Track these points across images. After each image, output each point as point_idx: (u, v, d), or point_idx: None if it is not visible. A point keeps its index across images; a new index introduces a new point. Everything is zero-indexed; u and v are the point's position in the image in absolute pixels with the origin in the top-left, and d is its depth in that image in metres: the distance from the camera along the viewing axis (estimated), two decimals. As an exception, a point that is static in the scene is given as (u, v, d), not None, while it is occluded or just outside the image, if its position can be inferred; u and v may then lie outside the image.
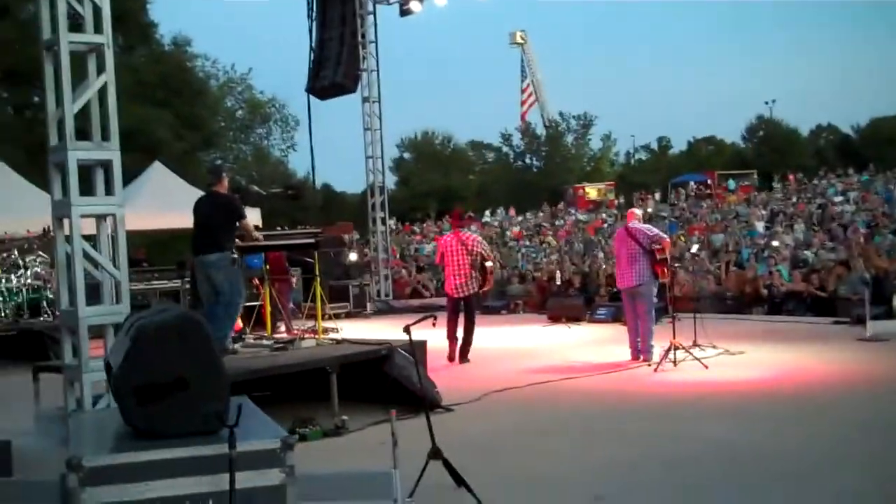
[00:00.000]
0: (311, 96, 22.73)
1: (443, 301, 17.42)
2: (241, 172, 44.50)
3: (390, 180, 63.69)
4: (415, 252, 34.07)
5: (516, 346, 14.12)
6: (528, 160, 66.52)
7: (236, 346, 9.13)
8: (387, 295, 23.45)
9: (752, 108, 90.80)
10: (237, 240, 9.09)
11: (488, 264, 12.41)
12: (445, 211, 53.28)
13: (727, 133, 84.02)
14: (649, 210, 35.91)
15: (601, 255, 24.08)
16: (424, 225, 45.90)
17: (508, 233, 37.59)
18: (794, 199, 33.84)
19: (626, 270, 11.56)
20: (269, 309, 10.78)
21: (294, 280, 17.02)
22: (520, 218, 44.02)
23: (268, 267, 11.56)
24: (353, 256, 23.74)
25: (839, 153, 62.31)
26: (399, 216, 48.38)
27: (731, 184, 43.85)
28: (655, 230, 11.95)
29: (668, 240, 11.90)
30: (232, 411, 3.48)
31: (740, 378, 9.77)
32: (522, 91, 66.11)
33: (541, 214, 43.81)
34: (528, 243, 33.76)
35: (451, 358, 12.14)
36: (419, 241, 39.15)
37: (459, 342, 12.19)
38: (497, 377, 10.49)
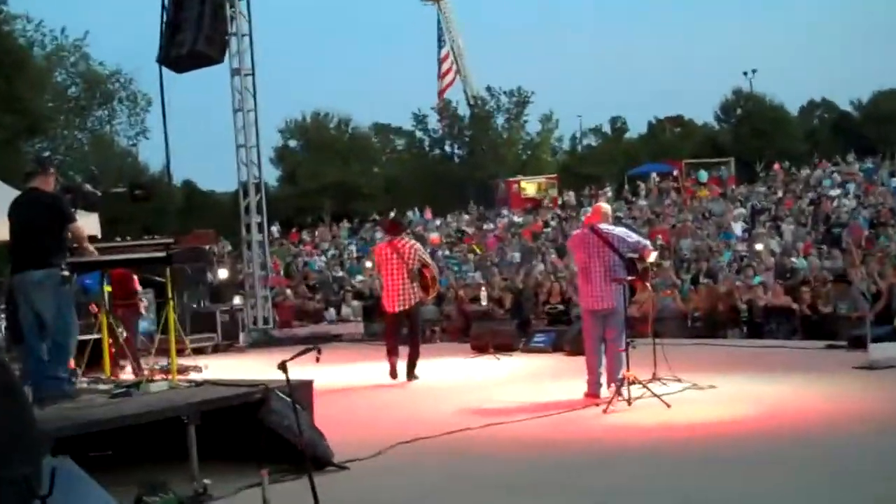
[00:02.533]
0: (164, 68, 22.52)
1: (338, 329, 17.58)
2: (76, 166, 43.74)
3: (271, 175, 63.65)
4: (304, 267, 33.99)
5: (431, 383, 14.14)
6: (448, 148, 66.94)
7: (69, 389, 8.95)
8: (266, 322, 23.29)
9: (727, 80, 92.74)
10: (69, 253, 8.93)
11: (429, 271, 14.28)
12: (344, 213, 53.30)
13: (697, 112, 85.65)
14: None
15: (540, 266, 24.32)
16: (317, 232, 45.83)
17: (424, 240, 37.69)
18: (781, 194, 34.69)
19: (601, 287, 11.60)
20: (108, 343, 10.61)
21: (144, 305, 16.82)
22: (438, 221, 44.29)
23: (109, 289, 11.39)
24: (221, 274, 23.56)
25: (836, 136, 63.90)
26: (283, 221, 48.23)
27: (703, 175, 44.76)
28: (635, 236, 12.19)
29: (650, 248, 12.10)
30: (45, 477, 3.41)
31: (710, 419, 9.93)
32: (440, 61, 66.51)
33: (465, 217, 44.16)
34: (448, 253, 33.95)
35: (393, 374, 14.23)
36: (309, 252, 39.06)
37: (406, 359, 14.12)
38: (406, 424, 10.47)
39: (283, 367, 6.05)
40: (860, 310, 16.29)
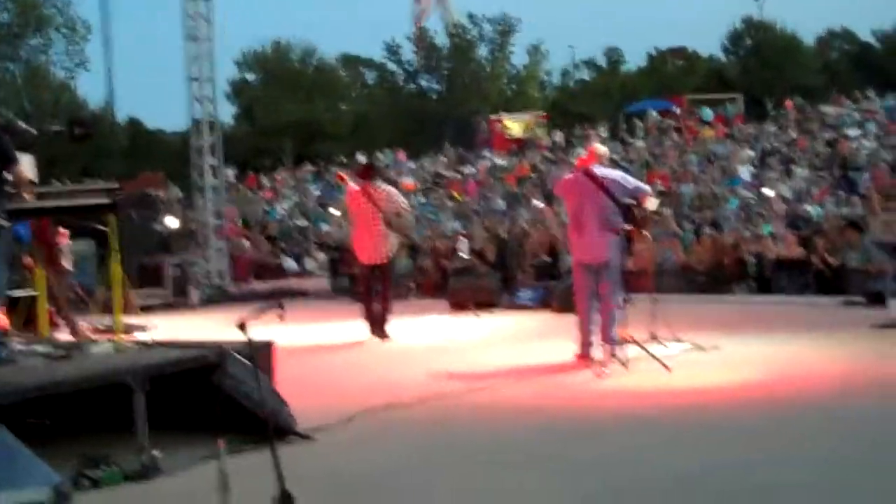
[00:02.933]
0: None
1: (302, 284, 17.69)
2: (8, 101, 43.46)
3: (226, 112, 63.28)
4: (263, 215, 33.95)
5: (405, 344, 14.24)
6: (424, 82, 66.58)
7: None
8: (221, 277, 23.27)
9: (735, 7, 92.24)
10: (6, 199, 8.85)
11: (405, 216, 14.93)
12: (307, 155, 53.10)
13: (702, 43, 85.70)
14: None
15: (526, 215, 24.34)
16: (277, 176, 45.70)
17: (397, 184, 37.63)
18: (794, 134, 34.73)
19: (596, 237, 11.58)
20: (44, 299, 10.59)
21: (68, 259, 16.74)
22: (412, 164, 44.18)
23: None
24: (171, 223, 23.48)
25: (856, 69, 63.89)
26: (240, 164, 48.05)
27: (707, 113, 44.78)
28: (634, 180, 12.21)
29: (650, 194, 12.13)
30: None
31: (714, 384, 10.01)
32: (416, -14, 66.11)
33: (442, 159, 44.06)
34: (424, 200, 33.94)
35: (372, 332, 14.65)
36: (269, 198, 38.98)
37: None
38: (377, 389, 10.49)
39: (242, 326, 6.02)
40: (874, 262, 16.38)
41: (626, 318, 11.38)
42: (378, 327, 14.64)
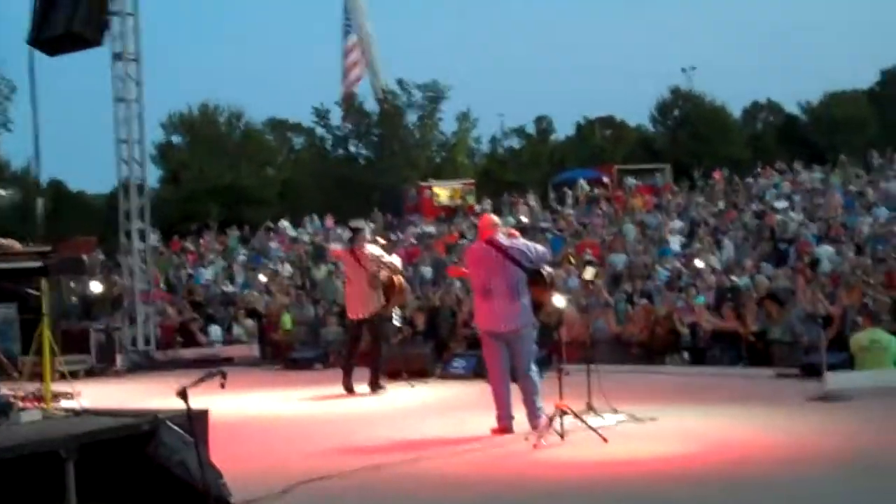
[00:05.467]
0: (34, 50, 22.19)
1: (230, 351, 18.05)
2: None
3: (152, 175, 63.02)
4: (188, 280, 33.68)
5: (338, 413, 14.15)
6: (353, 148, 66.73)
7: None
8: (147, 343, 23.02)
9: (663, 77, 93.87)
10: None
11: (398, 279, 16.41)
12: (233, 220, 52.89)
13: (630, 112, 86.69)
14: (524, 219, 36.60)
15: (458, 282, 24.36)
16: (202, 241, 45.43)
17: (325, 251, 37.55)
18: (722, 205, 35.13)
19: (505, 306, 11.56)
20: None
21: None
22: (341, 230, 44.13)
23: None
24: (94, 287, 23.20)
25: (782, 141, 64.99)
26: (165, 228, 47.77)
27: (631, 181, 45.12)
28: (540, 246, 12.24)
29: (549, 260, 12.30)
30: None
31: (651, 455, 10.02)
32: (346, 52, 66.23)
33: (371, 226, 44.09)
34: (351, 267, 33.82)
35: (347, 388, 15.80)
36: (193, 262, 38.72)
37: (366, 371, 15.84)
38: (311, 459, 10.43)
39: (182, 394, 6.00)
40: (798, 335, 16.60)
41: (561, 390, 11.37)
42: (370, 382, 15.92)
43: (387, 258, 16.53)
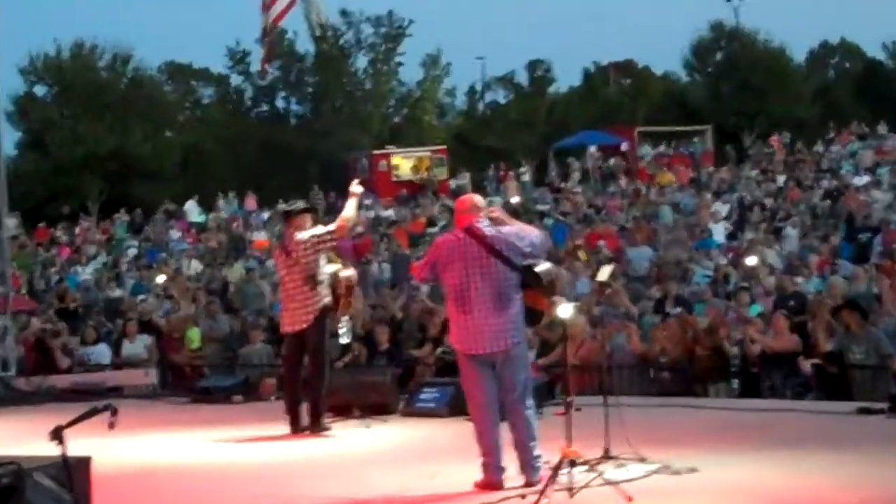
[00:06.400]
0: None
1: (119, 377, 17.89)
2: None
3: (8, 139, 62.67)
4: (59, 282, 33.61)
5: (265, 462, 14.15)
6: (281, 103, 66.67)
7: None
8: (6, 367, 22.98)
9: (701, 8, 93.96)
10: None
11: (344, 274, 15.88)
12: (121, 201, 52.70)
13: (656, 56, 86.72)
14: (514, 200, 36.66)
15: (426, 286, 24.39)
16: (78, 229, 45.37)
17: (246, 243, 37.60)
18: (782, 181, 35.28)
19: (490, 319, 11.45)
20: None
21: None
22: (265, 214, 44.11)
23: None
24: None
25: (861, 95, 65.08)
26: (26, 211, 47.65)
27: (646, 150, 45.21)
28: (536, 232, 12.19)
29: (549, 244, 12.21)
30: None
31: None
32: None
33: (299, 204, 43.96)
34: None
35: (293, 424, 15.59)
36: (67, 258, 38.66)
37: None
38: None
39: (56, 435, 6.00)
40: (885, 356, 16.60)
41: (569, 432, 11.37)
42: (311, 417, 15.64)
43: (327, 228, 16.03)
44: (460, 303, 11.55)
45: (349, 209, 16.07)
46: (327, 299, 15.72)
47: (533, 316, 11.73)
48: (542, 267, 11.62)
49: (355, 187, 16.29)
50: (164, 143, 65.15)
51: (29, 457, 8.43)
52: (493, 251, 11.42)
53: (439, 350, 19.52)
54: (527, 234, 11.80)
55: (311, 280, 15.49)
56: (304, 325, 15.59)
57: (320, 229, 15.90)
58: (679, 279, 23.37)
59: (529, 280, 11.49)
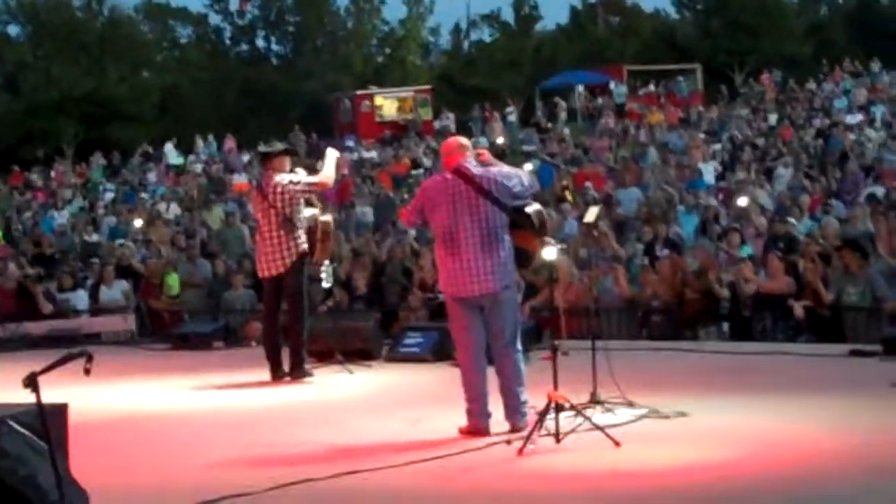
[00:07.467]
0: None
1: (96, 324, 17.80)
2: None
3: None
4: (35, 227, 33.51)
5: (247, 409, 14.14)
6: (261, 42, 66.50)
7: None
8: (-23, 312, 22.96)
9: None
10: None
11: (323, 219, 15.88)
12: (97, 143, 52.50)
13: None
14: (500, 140, 36.60)
15: (413, 230, 24.33)
16: (54, 172, 45.23)
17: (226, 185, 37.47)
18: (774, 120, 35.20)
19: (478, 261, 11.43)
20: None
21: None
22: (246, 157, 43.99)
23: None
24: None
25: (854, 32, 64.95)
26: (1, 153, 47.45)
27: (619, 91, 45.01)
28: (525, 173, 12.15)
29: (536, 186, 12.20)
30: None
31: (679, 464, 10.03)
32: None
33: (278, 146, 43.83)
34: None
35: (275, 375, 15.71)
36: (44, 202, 38.54)
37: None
38: (211, 473, 10.44)
39: (31, 382, 5.93)
40: (879, 299, 16.57)
41: (556, 377, 11.31)
42: (292, 363, 15.71)
43: (307, 179, 16.05)
44: (448, 245, 11.57)
45: (329, 168, 16.22)
46: (305, 245, 15.69)
47: (524, 257, 11.73)
48: (532, 207, 11.66)
49: (333, 150, 16.69)
50: (142, 84, 64.90)
51: (2, 404, 8.38)
52: (482, 191, 11.42)
53: (425, 296, 19.47)
54: (515, 174, 11.83)
55: (288, 224, 15.48)
56: (282, 270, 15.66)
57: (300, 176, 15.98)
58: (668, 220, 23.24)
59: (519, 221, 11.50)
